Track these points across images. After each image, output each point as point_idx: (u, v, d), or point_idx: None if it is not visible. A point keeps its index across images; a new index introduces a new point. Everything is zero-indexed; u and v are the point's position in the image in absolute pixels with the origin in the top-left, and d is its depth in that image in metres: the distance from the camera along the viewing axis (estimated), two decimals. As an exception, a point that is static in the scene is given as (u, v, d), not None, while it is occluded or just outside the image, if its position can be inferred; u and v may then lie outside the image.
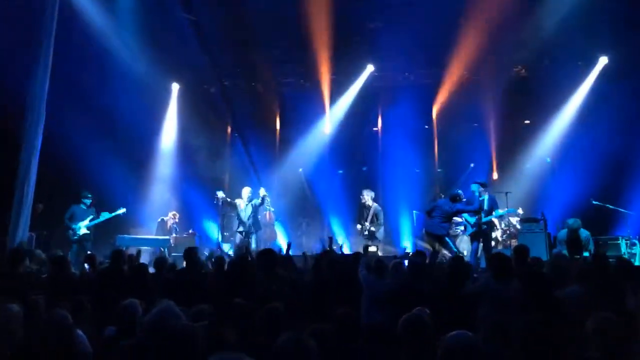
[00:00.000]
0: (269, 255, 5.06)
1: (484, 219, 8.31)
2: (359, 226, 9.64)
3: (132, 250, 8.77)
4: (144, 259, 9.44)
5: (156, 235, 10.56)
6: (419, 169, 12.48)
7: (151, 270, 5.81)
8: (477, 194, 8.38)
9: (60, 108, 9.02)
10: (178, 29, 10.76)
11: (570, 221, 8.04)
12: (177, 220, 10.96)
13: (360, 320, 4.54)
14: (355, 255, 5.99)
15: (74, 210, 9.38)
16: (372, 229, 9.34)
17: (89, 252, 7.33)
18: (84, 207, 9.40)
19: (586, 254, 7.51)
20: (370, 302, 4.83)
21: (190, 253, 5.40)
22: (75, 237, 9.17)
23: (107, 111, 10.87)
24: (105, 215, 9.48)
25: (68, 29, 8.73)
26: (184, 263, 5.55)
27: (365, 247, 5.92)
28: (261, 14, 10.46)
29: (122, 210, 9.67)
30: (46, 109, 8.04)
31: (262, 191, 9.46)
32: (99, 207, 9.62)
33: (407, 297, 4.42)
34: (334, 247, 7.41)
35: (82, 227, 9.25)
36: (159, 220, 10.90)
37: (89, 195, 9.51)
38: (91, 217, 9.36)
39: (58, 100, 8.61)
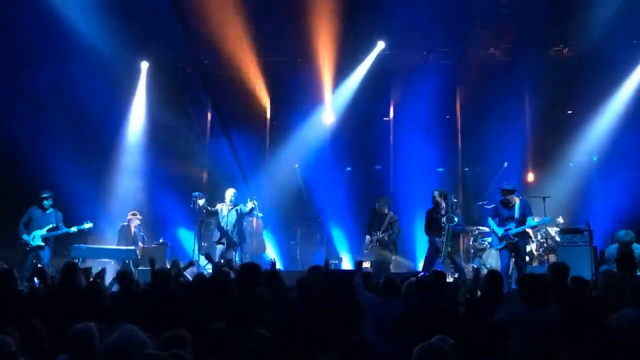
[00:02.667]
0: (251, 270, 5.12)
1: (514, 230, 8.34)
2: (368, 237, 9.72)
3: (90, 264, 8.76)
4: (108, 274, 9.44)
5: (118, 245, 10.44)
6: (440, 167, 12.48)
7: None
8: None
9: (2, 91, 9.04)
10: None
11: (622, 233, 8.04)
12: (139, 222, 10.65)
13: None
14: (355, 269, 6.02)
15: (32, 213, 9.38)
16: (386, 238, 9.51)
17: (39, 266, 7.33)
18: (43, 210, 9.39)
19: (640, 273, 7.51)
20: (376, 328, 4.83)
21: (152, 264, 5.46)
22: (28, 248, 9.15)
23: (61, 94, 10.85)
24: (67, 229, 9.44)
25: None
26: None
27: (359, 263, 6.05)
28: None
29: (88, 225, 9.64)
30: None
31: (250, 204, 9.47)
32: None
33: (421, 323, 4.42)
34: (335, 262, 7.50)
35: (37, 237, 9.22)
36: (120, 227, 10.70)
37: (48, 195, 9.48)
38: (50, 226, 9.33)
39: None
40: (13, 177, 10.50)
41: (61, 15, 10.17)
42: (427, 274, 6.98)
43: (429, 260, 8.84)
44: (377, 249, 9.54)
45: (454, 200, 9.25)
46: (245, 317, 4.47)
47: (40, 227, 9.29)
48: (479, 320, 4.43)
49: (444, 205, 8.84)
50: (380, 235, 9.58)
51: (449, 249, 8.72)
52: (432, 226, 8.92)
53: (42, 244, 9.25)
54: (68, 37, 10.41)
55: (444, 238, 8.68)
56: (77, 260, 8.18)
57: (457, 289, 5.73)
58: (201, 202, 9.62)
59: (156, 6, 10.69)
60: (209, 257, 7.48)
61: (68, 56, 10.77)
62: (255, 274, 5.22)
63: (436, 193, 8.99)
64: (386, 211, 9.79)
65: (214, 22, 11.65)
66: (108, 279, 7.24)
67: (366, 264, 8.65)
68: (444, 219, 8.71)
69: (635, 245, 7.95)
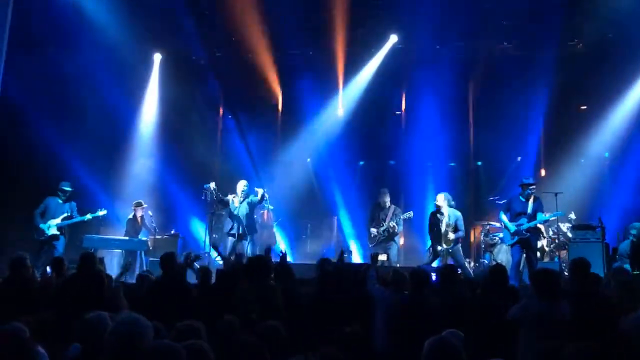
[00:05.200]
0: (260, 263, 5.13)
1: (526, 225, 8.29)
2: (374, 230, 9.68)
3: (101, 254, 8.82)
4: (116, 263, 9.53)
5: (126, 236, 10.31)
6: (452, 161, 12.42)
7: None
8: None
9: (17, 82, 9.08)
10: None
11: (636, 225, 7.97)
12: (150, 213, 10.59)
13: (372, 343, 4.57)
14: (367, 265, 6.03)
15: (48, 203, 9.41)
16: (394, 229, 9.54)
17: (56, 256, 7.40)
18: (60, 200, 9.45)
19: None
20: (385, 321, 4.82)
21: (168, 260, 5.45)
22: (43, 238, 9.20)
23: (74, 85, 10.91)
24: (81, 217, 9.50)
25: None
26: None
27: (374, 256, 6.07)
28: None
29: (102, 212, 9.68)
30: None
31: (260, 191, 9.48)
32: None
33: (429, 316, 4.42)
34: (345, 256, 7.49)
35: (53, 226, 9.27)
36: (127, 220, 10.57)
37: (66, 188, 9.52)
38: (66, 214, 9.40)
39: (12, 69, 8.69)
40: (28, 165, 10.59)
41: (75, 5, 10.22)
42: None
43: (429, 261, 9.02)
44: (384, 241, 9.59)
45: (452, 222, 8.97)
46: (253, 309, 4.46)
47: (55, 217, 9.34)
48: (485, 314, 4.41)
49: (446, 209, 8.92)
50: (386, 225, 9.57)
51: (450, 251, 8.85)
52: (433, 233, 9.07)
53: (58, 233, 9.31)
54: (82, 27, 10.45)
55: (443, 247, 8.83)
56: (91, 250, 8.20)
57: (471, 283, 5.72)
58: (212, 185, 9.62)
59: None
60: (215, 247, 7.59)
61: (82, 46, 10.80)
62: (263, 267, 5.20)
63: (440, 197, 9.12)
64: (388, 204, 9.84)
65: (227, 14, 11.66)
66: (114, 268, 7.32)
67: (382, 257, 8.67)
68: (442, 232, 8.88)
69: (647, 239, 7.88)
